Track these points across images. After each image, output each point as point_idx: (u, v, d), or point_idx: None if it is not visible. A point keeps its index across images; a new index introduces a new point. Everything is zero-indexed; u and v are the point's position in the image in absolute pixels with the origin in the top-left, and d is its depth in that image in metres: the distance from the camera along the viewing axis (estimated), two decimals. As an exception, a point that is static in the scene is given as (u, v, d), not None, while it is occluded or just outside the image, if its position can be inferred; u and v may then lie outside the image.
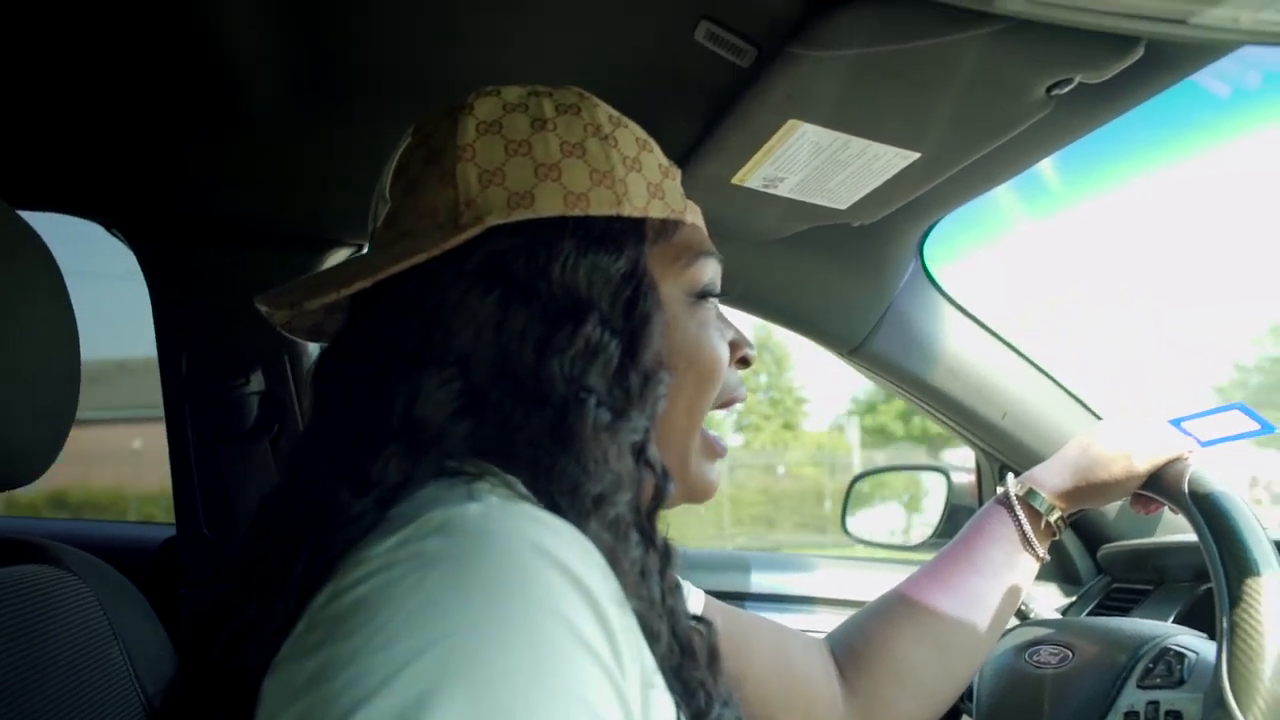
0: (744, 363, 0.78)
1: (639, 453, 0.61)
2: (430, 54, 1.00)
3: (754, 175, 1.07)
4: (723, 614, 0.94)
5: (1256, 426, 1.07)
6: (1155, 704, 0.88)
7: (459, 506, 0.50)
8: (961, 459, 1.77)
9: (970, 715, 1.10)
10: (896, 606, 1.00)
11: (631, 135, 0.69)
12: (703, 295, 0.72)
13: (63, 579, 0.88)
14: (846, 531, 1.87)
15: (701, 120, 1.04)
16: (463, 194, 0.63)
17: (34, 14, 0.95)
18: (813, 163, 1.02)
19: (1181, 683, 0.88)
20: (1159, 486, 0.98)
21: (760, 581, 1.66)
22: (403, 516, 0.51)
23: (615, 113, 0.69)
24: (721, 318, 0.76)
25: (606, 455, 0.58)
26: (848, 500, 1.87)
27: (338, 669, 0.43)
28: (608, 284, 0.63)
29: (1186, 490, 0.93)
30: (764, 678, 0.93)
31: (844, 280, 1.39)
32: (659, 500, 0.63)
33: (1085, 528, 1.56)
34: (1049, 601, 1.53)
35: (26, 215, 0.82)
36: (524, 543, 0.48)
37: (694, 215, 0.73)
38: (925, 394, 1.48)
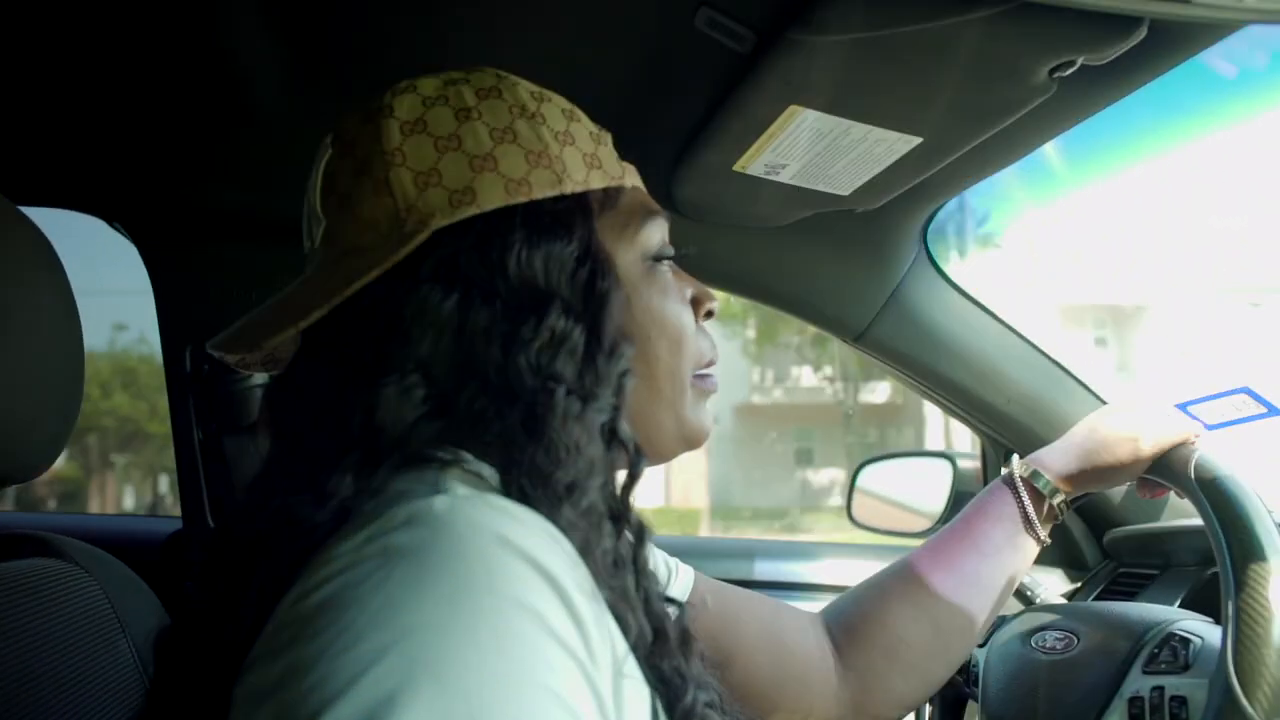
0: (708, 315, 0.77)
1: (610, 434, 0.61)
2: (429, 44, 1.00)
3: (755, 162, 1.06)
4: (713, 592, 0.94)
5: (1264, 409, 1.06)
6: (1160, 689, 0.87)
7: (424, 500, 0.50)
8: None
9: (976, 701, 1.10)
10: (894, 583, 1.00)
11: (557, 108, 0.68)
12: (658, 259, 0.72)
13: (69, 572, 0.88)
14: (851, 519, 1.86)
15: (702, 107, 1.03)
16: (401, 201, 0.62)
17: (35, 8, 0.94)
18: (814, 149, 1.02)
19: (1187, 668, 0.88)
20: (1165, 470, 0.97)
21: (765, 569, 1.66)
22: (370, 512, 0.51)
23: (536, 88, 0.68)
24: (679, 275, 0.76)
25: (578, 442, 0.58)
26: (852, 487, 1.86)
27: (305, 670, 0.42)
28: (564, 269, 0.63)
29: (1192, 474, 0.92)
30: (755, 654, 0.93)
31: (847, 266, 1.39)
32: (633, 479, 0.62)
33: (1091, 512, 1.56)
34: (1055, 587, 1.53)
35: (28, 212, 0.82)
36: (489, 535, 0.47)
37: (632, 177, 0.73)
38: (930, 380, 1.47)
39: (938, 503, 1.71)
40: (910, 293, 1.41)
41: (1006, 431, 1.51)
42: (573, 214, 0.65)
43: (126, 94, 1.11)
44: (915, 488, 1.78)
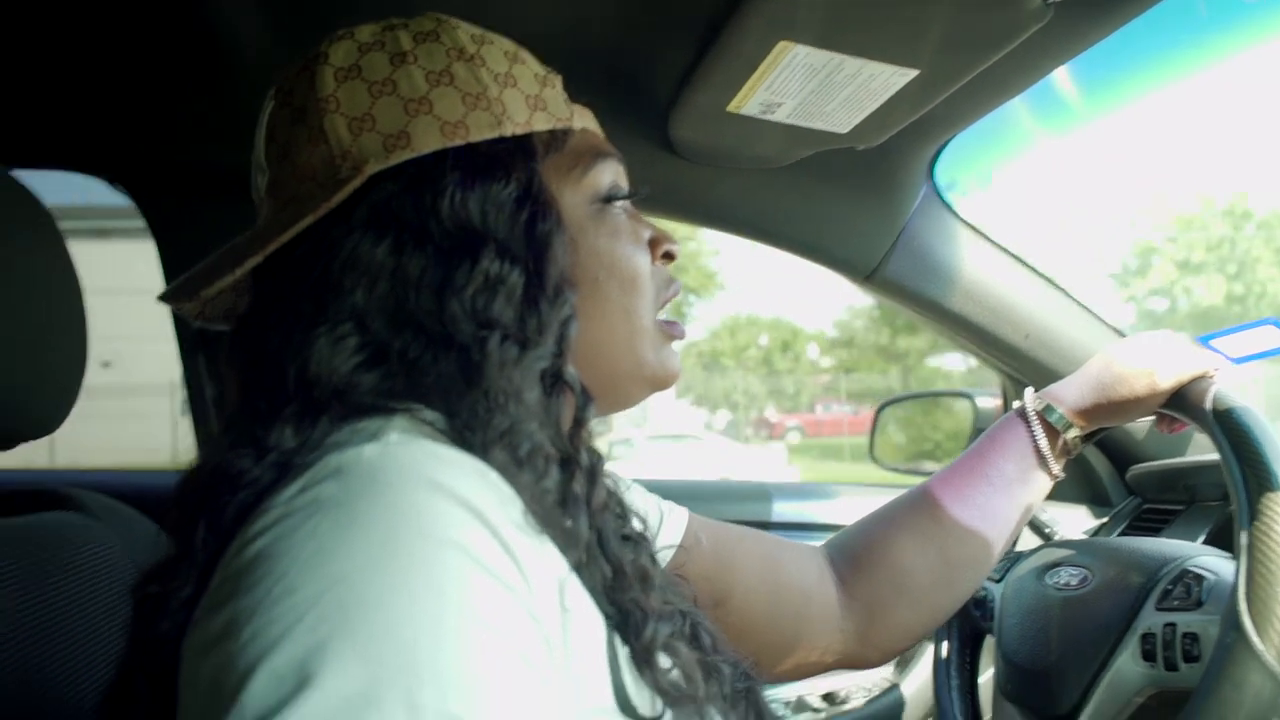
0: (668, 257, 0.76)
1: (552, 379, 0.60)
2: None
3: (750, 102, 1.04)
4: (708, 531, 0.93)
5: None
6: (1172, 626, 0.85)
7: (354, 449, 0.50)
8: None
9: (993, 635, 1.09)
10: (903, 514, 0.99)
11: (499, 50, 0.66)
12: (608, 199, 0.71)
13: (89, 527, 0.89)
14: (874, 459, 1.85)
15: (692, 48, 1.01)
16: (336, 147, 0.61)
17: None
18: (808, 85, 0.99)
19: (1200, 604, 0.86)
20: (1182, 404, 0.95)
21: (782, 510, 1.65)
22: (305, 464, 0.51)
23: (478, 30, 0.67)
24: (636, 217, 0.74)
25: (517, 388, 0.58)
26: (875, 429, 1.85)
27: (243, 622, 0.43)
28: (501, 211, 0.62)
29: (1209, 408, 0.90)
30: (752, 592, 0.92)
31: (854, 206, 1.35)
32: (579, 423, 0.61)
33: (1114, 448, 1.53)
34: (1079, 524, 1.51)
35: (29, 174, 0.82)
36: (418, 478, 0.48)
37: (584, 119, 0.72)
38: (945, 319, 1.44)
39: (958, 441, 1.69)
40: (919, 230, 1.37)
41: (1025, 368, 1.48)
42: (513, 155, 0.64)
43: (120, 52, 1.11)
44: (936, 427, 1.77)
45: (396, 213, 0.60)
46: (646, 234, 0.74)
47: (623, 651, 0.57)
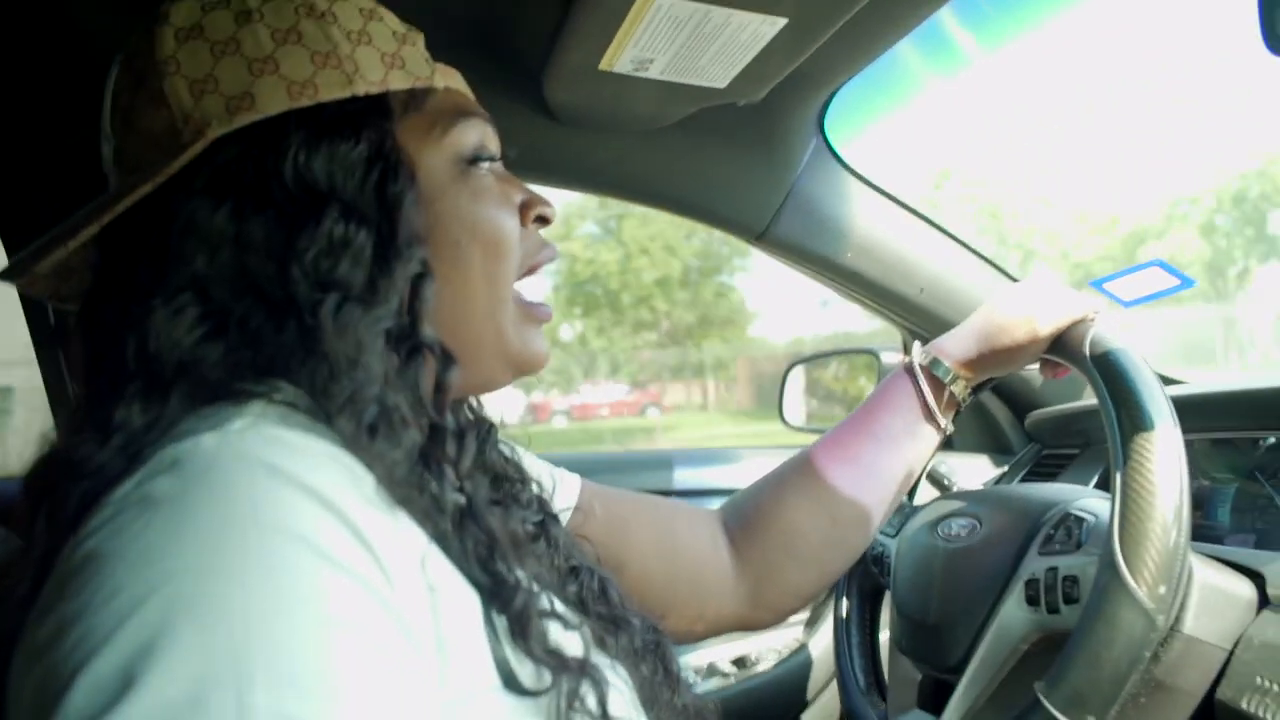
0: (542, 221, 0.73)
1: (402, 340, 0.58)
2: None
3: (620, 59, 1.01)
4: (600, 498, 0.92)
5: (1177, 282, 1.06)
6: (1054, 569, 0.86)
7: (192, 440, 0.47)
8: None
9: (890, 589, 1.09)
10: (791, 475, 0.98)
11: (353, 8, 0.63)
12: (473, 161, 0.68)
13: None
14: (784, 421, 1.85)
15: (558, 6, 0.97)
16: (177, 111, 0.58)
17: None
18: (677, 39, 0.96)
19: (1079, 546, 0.86)
20: (1062, 349, 0.95)
21: (684, 477, 1.64)
22: (146, 455, 0.48)
23: None
24: (508, 179, 0.72)
25: (360, 351, 0.55)
26: (783, 389, 1.85)
27: (67, 629, 0.41)
28: (350, 172, 0.59)
29: (1087, 351, 0.90)
30: (647, 558, 0.92)
31: (742, 163, 1.33)
32: (442, 387, 0.59)
33: (1013, 395, 1.55)
34: (981, 474, 1.53)
35: None
36: (257, 466, 0.45)
37: (447, 78, 0.69)
38: (839, 275, 1.43)
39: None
40: (810, 186, 1.36)
41: (922, 321, 1.48)
42: (364, 115, 0.61)
43: None
44: (842, 385, 1.78)
45: (238, 176, 0.57)
46: (518, 197, 0.71)
47: (501, 623, 0.55)
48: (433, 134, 0.66)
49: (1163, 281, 1.08)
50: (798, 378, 1.85)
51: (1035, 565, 0.89)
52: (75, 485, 0.49)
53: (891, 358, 1.70)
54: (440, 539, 0.55)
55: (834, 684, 1.57)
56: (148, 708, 0.37)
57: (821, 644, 1.58)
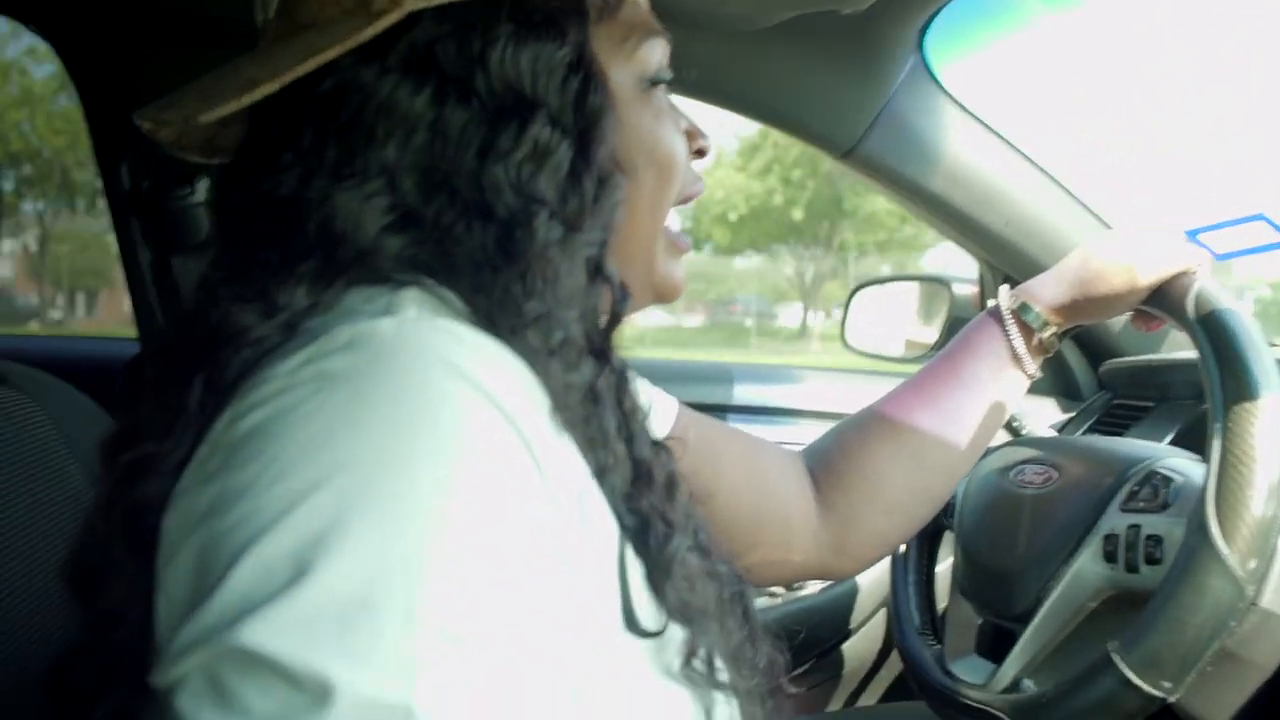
0: (700, 153, 0.70)
1: (595, 268, 0.55)
2: None
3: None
4: (696, 426, 0.89)
5: None
6: (1136, 527, 0.83)
7: (370, 321, 0.45)
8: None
9: (951, 530, 1.07)
10: (875, 421, 0.95)
11: None
12: (655, 82, 0.64)
13: (12, 399, 0.84)
14: (845, 343, 1.82)
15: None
16: None
17: None
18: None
19: (1166, 506, 0.84)
20: (1162, 302, 0.90)
21: (743, 393, 1.62)
22: (312, 331, 0.46)
23: None
24: (673, 106, 0.68)
25: (557, 272, 0.52)
26: (847, 311, 1.81)
27: (232, 501, 0.40)
28: (553, 75, 0.55)
29: (1190, 307, 0.86)
30: (737, 493, 0.89)
31: (836, 75, 1.27)
32: (616, 318, 0.57)
33: (1089, 341, 1.50)
34: (1047, 417, 1.49)
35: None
36: (437, 360, 0.43)
37: None
38: (924, 200, 1.39)
39: (934, 328, 1.66)
40: (905, 106, 1.30)
41: (1003, 256, 1.44)
42: (568, 15, 0.56)
43: None
44: (911, 312, 1.73)
45: (439, 59, 0.53)
46: (684, 124, 0.68)
47: (634, 566, 0.54)
48: (624, 47, 0.62)
49: (1266, 236, 1.02)
50: (864, 300, 1.81)
51: (1116, 521, 0.86)
52: (235, 354, 0.48)
53: (963, 289, 1.65)
54: (599, 473, 0.53)
55: (877, 616, 1.58)
56: (319, 599, 0.37)
57: (870, 575, 1.57)
